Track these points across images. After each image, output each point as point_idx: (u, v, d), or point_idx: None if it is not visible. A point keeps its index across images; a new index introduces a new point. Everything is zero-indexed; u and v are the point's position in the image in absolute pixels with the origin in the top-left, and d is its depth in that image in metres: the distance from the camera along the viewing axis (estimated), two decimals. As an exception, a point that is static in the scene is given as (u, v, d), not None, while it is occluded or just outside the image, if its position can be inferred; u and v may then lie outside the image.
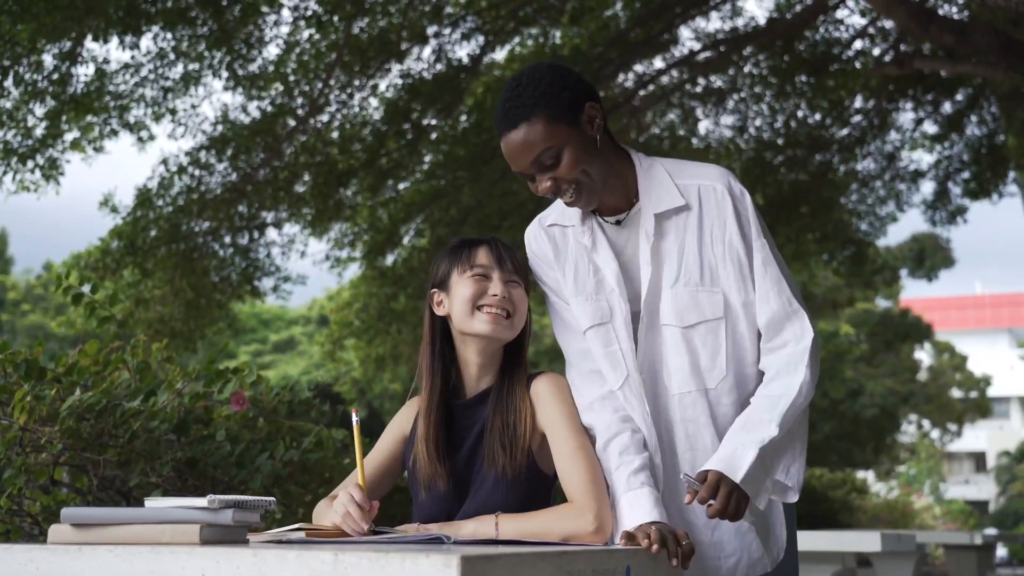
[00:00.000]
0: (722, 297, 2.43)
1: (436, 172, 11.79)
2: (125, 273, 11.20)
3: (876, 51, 12.16)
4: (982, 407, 32.29)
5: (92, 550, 1.78)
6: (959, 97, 12.83)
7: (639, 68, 12.01)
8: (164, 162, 10.98)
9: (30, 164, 10.10)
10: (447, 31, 11.01)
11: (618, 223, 2.53)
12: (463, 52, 11.26)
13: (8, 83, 9.49)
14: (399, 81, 11.20)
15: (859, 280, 16.02)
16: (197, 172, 11.04)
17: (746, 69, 12.07)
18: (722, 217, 2.43)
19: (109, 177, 13.64)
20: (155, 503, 1.94)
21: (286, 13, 10.47)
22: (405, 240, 12.54)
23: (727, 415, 2.44)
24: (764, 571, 2.49)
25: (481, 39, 11.25)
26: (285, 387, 3.88)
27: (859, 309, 25.91)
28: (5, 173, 10.02)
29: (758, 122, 12.70)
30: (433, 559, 1.52)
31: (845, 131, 12.90)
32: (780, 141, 12.71)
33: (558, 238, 2.59)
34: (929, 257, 25.02)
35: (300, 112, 11.03)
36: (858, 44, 12.13)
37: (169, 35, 10.07)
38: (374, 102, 11.43)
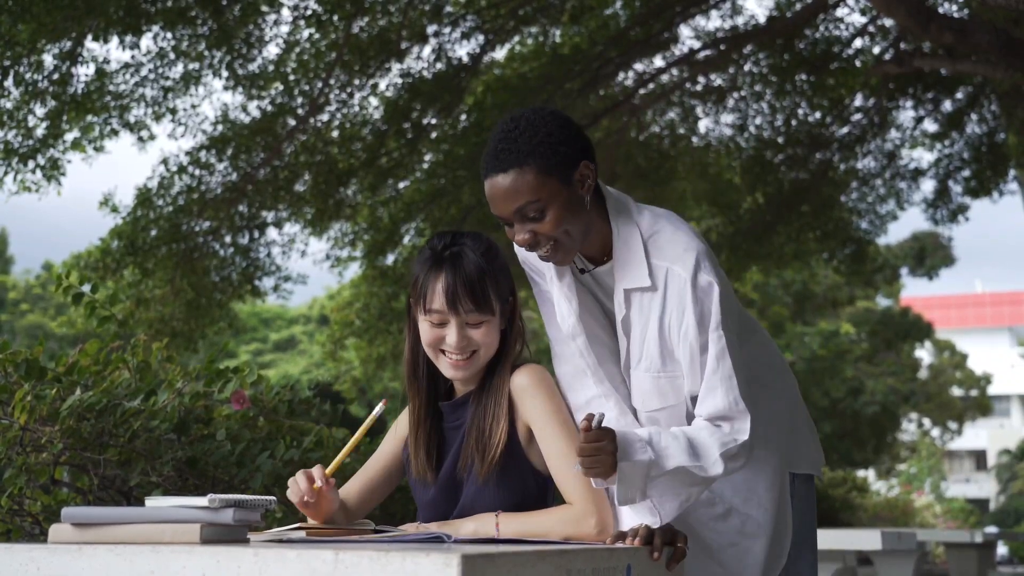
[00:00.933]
0: (682, 381, 2.37)
1: (436, 171, 11.79)
2: (125, 273, 11.20)
3: (876, 49, 12.17)
4: (983, 405, 32.28)
5: (93, 549, 1.78)
6: (959, 95, 12.83)
7: (639, 67, 12.01)
8: (164, 162, 10.98)
9: (31, 164, 10.10)
10: (447, 30, 11.01)
11: (583, 272, 2.51)
12: (463, 51, 11.27)
13: (8, 83, 9.49)
14: (399, 80, 11.20)
15: (860, 279, 16.02)
16: (197, 172, 11.04)
17: (746, 67, 12.07)
18: (681, 306, 2.32)
19: (109, 177, 13.64)
20: (156, 502, 1.94)
21: (286, 12, 10.48)
22: (405, 239, 12.54)
23: None
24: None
25: (481, 38, 11.25)
26: (285, 386, 3.88)
27: (860, 308, 25.92)
28: (6, 173, 10.02)
29: (758, 120, 12.70)
30: (433, 558, 1.53)
31: (845, 129, 12.90)
32: (780, 139, 12.71)
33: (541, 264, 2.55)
34: (929, 255, 25.04)
35: (300, 111, 11.03)
36: (858, 42, 12.14)
37: (169, 35, 10.07)
38: (374, 101, 11.44)
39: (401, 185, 12.06)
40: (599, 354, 2.49)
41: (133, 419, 3.21)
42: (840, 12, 11.69)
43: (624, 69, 11.78)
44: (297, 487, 2.34)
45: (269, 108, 10.94)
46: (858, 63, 11.95)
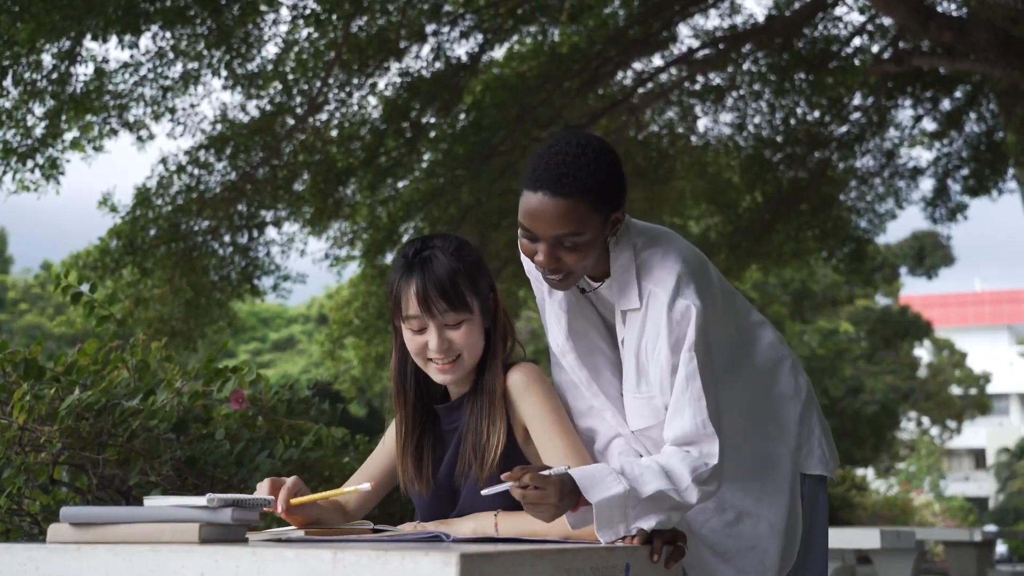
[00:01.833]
0: (659, 402, 2.35)
1: (435, 170, 11.79)
2: (124, 272, 11.19)
3: (875, 48, 12.18)
4: (982, 404, 32.28)
5: (91, 549, 1.78)
6: (958, 94, 12.83)
7: (638, 66, 12.01)
8: (163, 161, 10.98)
9: (30, 164, 10.10)
10: (446, 29, 11.01)
11: (583, 292, 2.51)
12: (462, 50, 11.27)
13: (7, 82, 9.49)
14: (398, 79, 11.21)
15: (859, 277, 16.01)
16: (196, 171, 11.04)
17: (745, 67, 12.08)
18: (656, 328, 2.31)
19: (108, 176, 13.64)
20: (154, 502, 1.94)
21: (285, 12, 10.48)
22: (404, 239, 12.54)
23: None
24: None
25: (480, 37, 11.26)
26: (284, 386, 3.88)
27: (859, 307, 25.91)
28: (5, 173, 10.02)
29: (757, 119, 12.70)
30: (432, 557, 1.53)
31: (844, 128, 12.90)
32: (779, 139, 12.72)
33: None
34: (929, 254, 25.05)
35: (299, 111, 11.03)
36: (857, 41, 12.15)
37: (168, 34, 10.07)
38: (373, 100, 11.44)
39: (400, 184, 12.06)
40: (598, 365, 2.49)
41: (132, 419, 3.21)
42: (839, 11, 11.70)
43: (623, 68, 11.78)
44: (261, 492, 2.30)
45: (268, 107, 10.94)
46: (857, 62, 11.96)
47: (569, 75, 11.06)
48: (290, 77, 10.82)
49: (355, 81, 11.05)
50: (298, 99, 11.01)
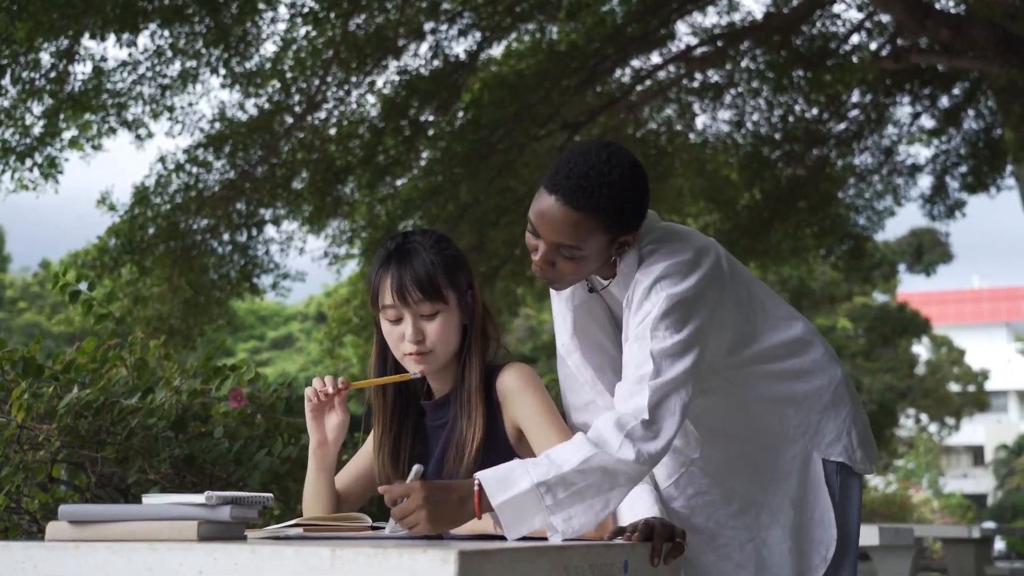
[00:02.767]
0: None
1: (434, 168, 11.79)
2: (123, 271, 11.20)
3: (873, 45, 12.19)
4: (980, 401, 32.32)
5: (90, 547, 1.78)
6: (956, 91, 12.84)
7: (636, 63, 12.02)
8: (162, 160, 10.98)
9: (28, 162, 10.10)
10: (444, 27, 11.01)
11: (591, 291, 2.50)
12: (460, 48, 11.28)
13: (6, 81, 9.49)
14: (396, 78, 11.21)
15: (857, 275, 16.04)
16: (195, 170, 11.04)
17: (743, 64, 12.08)
18: (631, 306, 2.29)
19: (107, 175, 13.64)
20: (153, 500, 1.94)
21: (283, 10, 10.49)
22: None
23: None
24: None
25: (478, 35, 11.26)
26: (283, 384, 3.88)
27: (857, 304, 25.91)
28: (4, 172, 10.03)
29: (755, 117, 12.71)
30: (431, 554, 1.53)
31: (842, 126, 12.91)
32: (777, 136, 12.72)
33: None
34: (927, 251, 25.05)
35: (297, 109, 11.03)
36: (855, 39, 12.16)
37: (166, 33, 10.07)
38: (371, 99, 11.44)
39: (399, 182, 12.06)
40: (602, 364, 2.48)
41: (130, 417, 3.21)
42: (837, 8, 11.71)
43: (621, 66, 11.79)
44: (312, 388, 2.44)
45: (266, 106, 10.95)
46: (855, 59, 11.97)
47: (567, 73, 11.06)
48: (288, 75, 10.83)
49: (353, 79, 11.05)
50: (296, 97, 11.01)
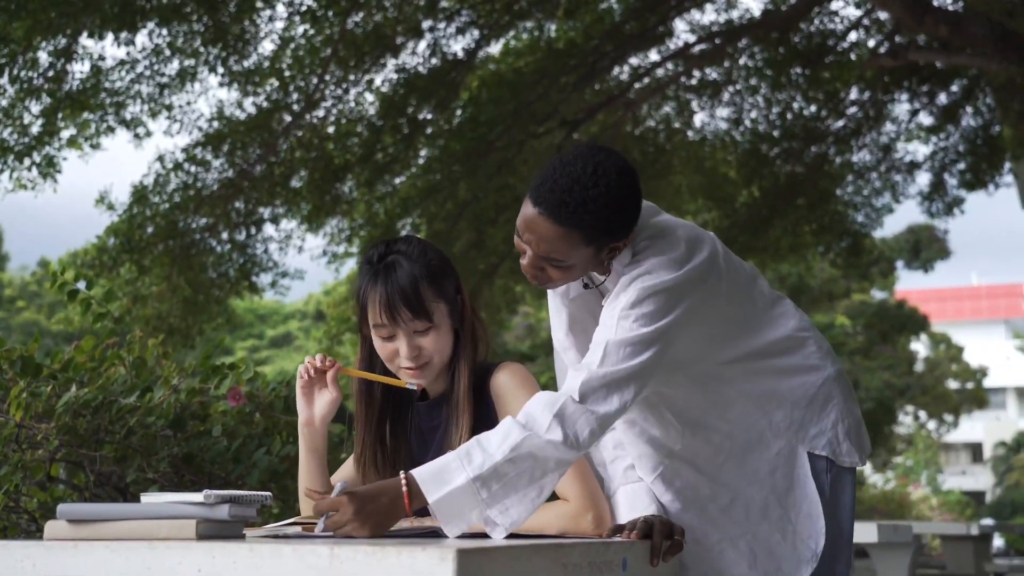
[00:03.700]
0: None
1: (432, 167, 11.80)
2: (122, 270, 11.20)
3: (871, 43, 12.19)
4: (978, 398, 32.33)
5: (88, 546, 1.78)
6: (954, 88, 12.85)
7: (634, 61, 12.02)
8: (160, 159, 10.98)
9: (27, 162, 10.10)
10: (442, 25, 11.01)
11: (586, 287, 2.48)
12: (458, 46, 11.28)
13: (4, 80, 9.49)
14: (394, 76, 11.21)
15: (855, 272, 16.03)
16: (193, 168, 11.04)
17: (741, 61, 12.09)
18: (610, 296, 2.29)
19: (105, 174, 13.64)
20: (151, 499, 1.94)
21: (281, 8, 10.49)
22: (402, 235, 12.54)
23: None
24: None
25: (476, 33, 11.26)
26: (282, 382, 3.88)
27: (855, 301, 25.93)
28: (2, 171, 10.02)
29: (754, 114, 12.72)
30: (429, 552, 1.53)
31: (841, 123, 12.92)
32: (776, 133, 12.72)
33: None
34: (925, 248, 25.05)
35: (296, 107, 11.03)
36: (853, 36, 12.16)
37: (164, 31, 10.07)
38: (369, 97, 11.44)
39: (397, 180, 12.06)
40: None
41: (129, 415, 3.21)
42: (835, 5, 11.76)
43: (619, 63, 11.79)
44: (304, 365, 2.46)
45: (265, 104, 10.95)
46: (853, 56, 11.98)
47: (566, 70, 11.06)
48: (287, 74, 10.83)
49: (352, 78, 11.05)
50: (295, 96, 11.01)
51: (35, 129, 10.05)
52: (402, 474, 2.03)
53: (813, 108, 12.66)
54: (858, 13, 11.94)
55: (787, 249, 13.49)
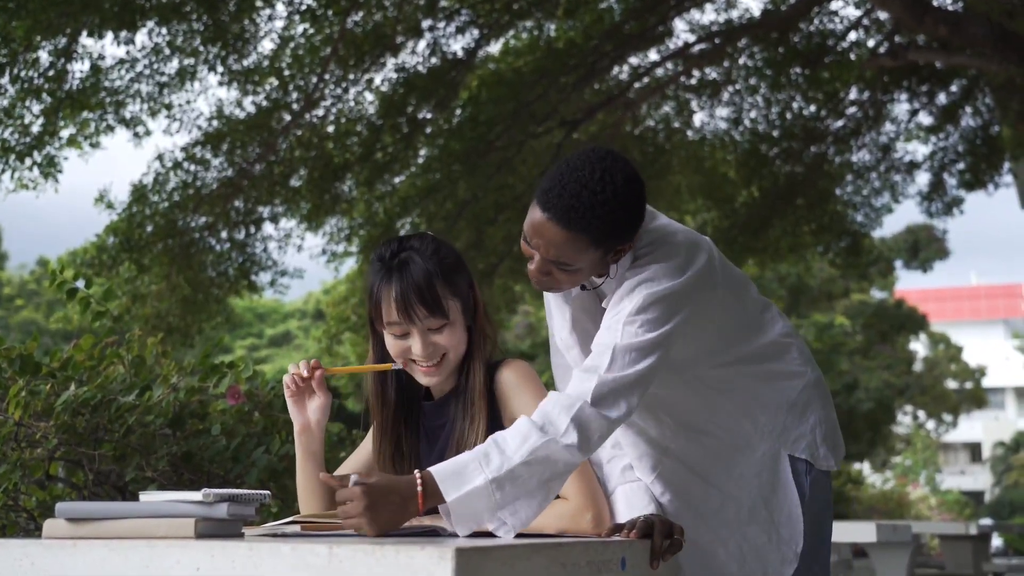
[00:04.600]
0: None
1: (432, 166, 11.80)
2: (121, 269, 11.20)
3: (871, 43, 12.19)
4: (977, 398, 32.34)
5: (87, 545, 1.78)
6: (954, 88, 12.85)
7: (634, 60, 12.02)
8: (160, 158, 10.98)
9: (28, 161, 10.10)
10: (442, 24, 11.01)
11: (583, 287, 2.49)
12: (458, 46, 11.28)
13: (4, 80, 9.49)
14: (394, 75, 11.21)
15: (854, 271, 16.04)
16: (193, 167, 11.04)
17: (741, 61, 12.09)
18: (611, 302, 2.30)
19: (105, 173, 13.65)
20: (150, 497, 1.94)
21: (280, 8, 10.49)
22: (401, 234, 12.52)
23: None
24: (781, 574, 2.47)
25: (476, 32, 11.26)
26: (281, 381, 3.88)
27: (854, 300, 25.93)
28: (3, 171, 10.02)
29: (753, 114, 12.71)
30: (428, 551, 1.53)
31: (840, 123, 12.92)
32: (775, 133, 12.73)
33: None
34: (924, 248, 25.07)
35: (295, 107, 11.03)
36: (853, 36, 12.16)
37: (164, 30, 10.07)
38: (369, 96, 11.44)
39: (397, 180, 12.06)
40: None
41: (128, 414, 3.21)
42: (834, 5, 11.75)
43: (619, 63, 11.79)
44: (289, 375, 2.47)
45: (264, 103, 10.95)
46: (853, 56, 11.98)
47: (565, 70, 11.06)
48: (286, 73, 10.83)
49: (351, 77, 11.05)
50: (294, 95, 11.01)
51: (35, 128, 10.05)
52: (417, 473, 2.02)
53: (813, 108, 12.66)
54: (858, 13, 11.95)
55: (786, 249, 13.49)
